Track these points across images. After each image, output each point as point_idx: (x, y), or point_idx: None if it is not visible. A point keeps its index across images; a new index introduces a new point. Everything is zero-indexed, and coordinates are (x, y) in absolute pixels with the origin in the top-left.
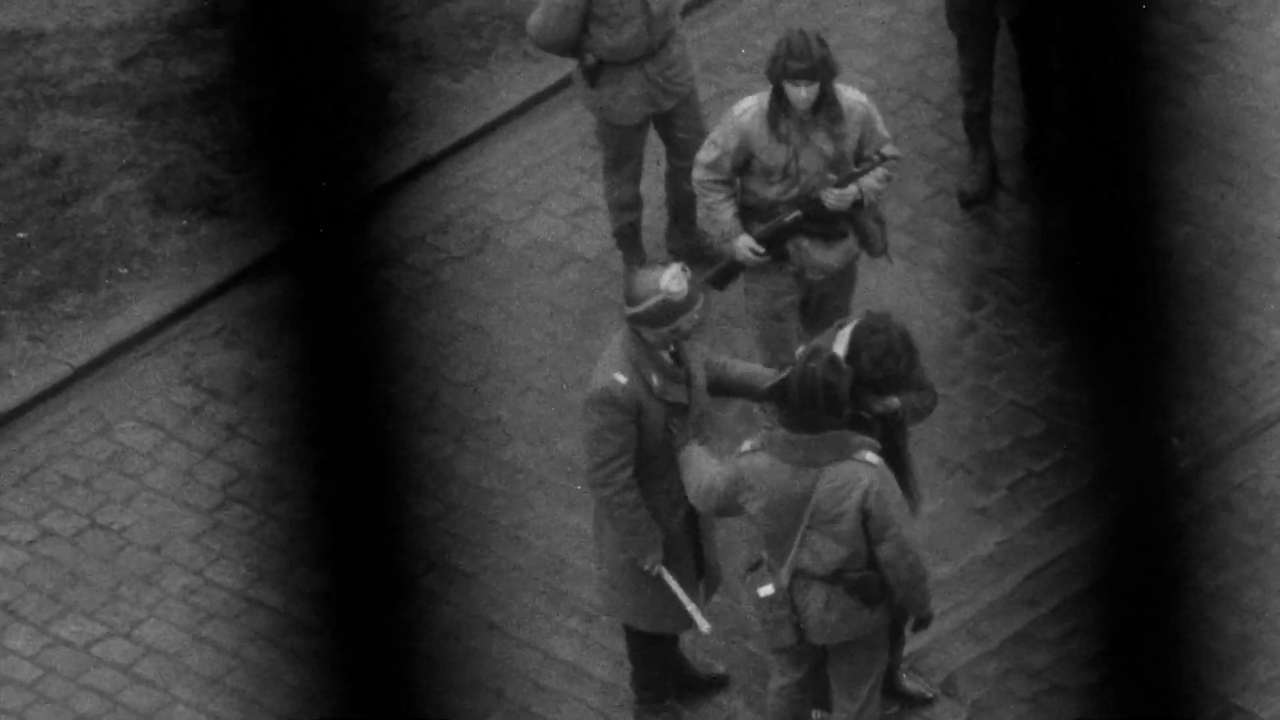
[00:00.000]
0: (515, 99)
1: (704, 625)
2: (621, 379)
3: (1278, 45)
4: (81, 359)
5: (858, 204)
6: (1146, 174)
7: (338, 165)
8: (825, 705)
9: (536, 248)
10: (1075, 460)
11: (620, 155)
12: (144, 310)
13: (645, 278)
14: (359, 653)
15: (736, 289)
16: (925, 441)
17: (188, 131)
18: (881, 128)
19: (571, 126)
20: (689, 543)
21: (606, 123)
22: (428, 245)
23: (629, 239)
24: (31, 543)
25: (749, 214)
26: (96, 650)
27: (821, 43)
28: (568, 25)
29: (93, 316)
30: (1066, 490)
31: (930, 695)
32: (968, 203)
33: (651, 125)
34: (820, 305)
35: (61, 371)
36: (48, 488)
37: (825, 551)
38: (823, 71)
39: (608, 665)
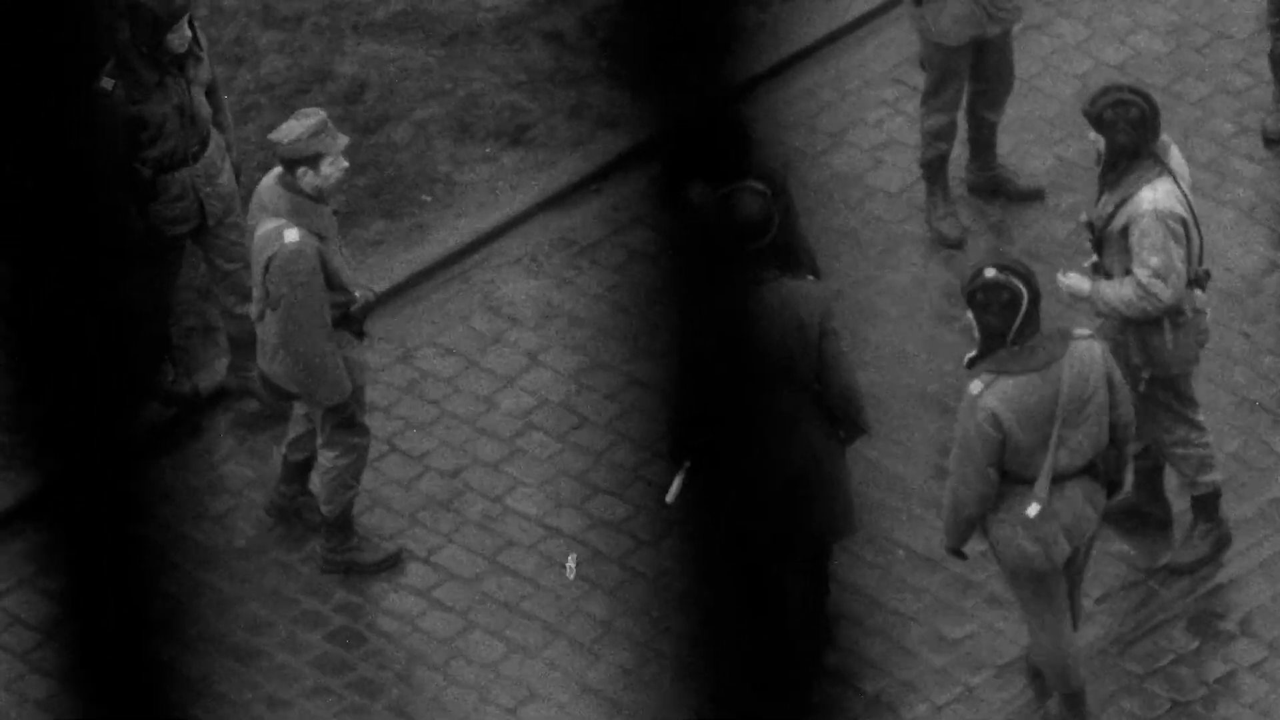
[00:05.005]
0: (818, 32)
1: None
2: None
3: None
4: (383, 285)
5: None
6: None
7: (638, 97)
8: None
9: (837, 181)
10: None
11: (942, 79)
12: (446, 237)
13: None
14: (656, 585)
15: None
16: (1225, 379)
17: (491, 60)
18: (1146, 246)
19: (875, 59)
20: None
21: (930, 43)
22: None
23: (936, 170)
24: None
25: None
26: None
27: (1116, 106)
28: None
29: (395, 243)
30: None
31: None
32: (1272, 140)
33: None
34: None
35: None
36: None
37: (1084, 441)
38: (1097, 126)
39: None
